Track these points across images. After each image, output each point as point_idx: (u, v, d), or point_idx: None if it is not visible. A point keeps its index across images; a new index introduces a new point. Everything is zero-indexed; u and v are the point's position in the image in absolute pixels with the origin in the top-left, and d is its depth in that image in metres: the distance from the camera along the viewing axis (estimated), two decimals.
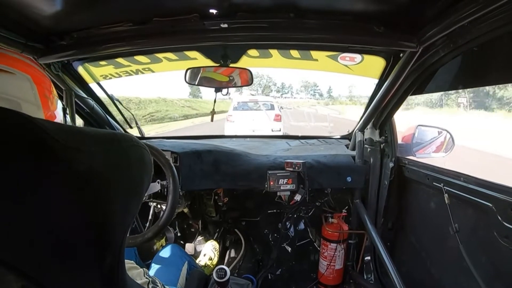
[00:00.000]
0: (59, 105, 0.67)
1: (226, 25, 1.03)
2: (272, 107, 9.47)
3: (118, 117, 1.88)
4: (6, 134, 0.33)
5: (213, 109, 1.60)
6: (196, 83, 1.43)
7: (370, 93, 1.60)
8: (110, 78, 1.62)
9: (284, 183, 1.58)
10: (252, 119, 8.73)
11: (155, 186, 1.28)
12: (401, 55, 1.18)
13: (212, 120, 1.70)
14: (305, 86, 78.15)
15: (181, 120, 21.14)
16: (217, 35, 1.08)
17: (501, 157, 7.57)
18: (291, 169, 1.57)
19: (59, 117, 0.72)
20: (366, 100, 1.71)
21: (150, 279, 0.65)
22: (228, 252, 1.97)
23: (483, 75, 1.08)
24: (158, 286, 0.67)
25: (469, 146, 8.07)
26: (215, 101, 1.52)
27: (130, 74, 1.61)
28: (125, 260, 0.51)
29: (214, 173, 1.61)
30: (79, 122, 1.58)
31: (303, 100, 65.84)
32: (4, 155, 0.33)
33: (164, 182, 1.28)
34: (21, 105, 0.55)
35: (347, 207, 1.88)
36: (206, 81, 1.42)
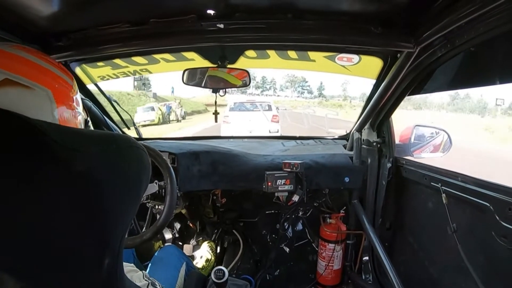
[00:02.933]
0: (80, 117, 0.57)
1: (222, 26, 1.03)
2: (269, 108, 9.33)
3: (116, 118, 1.87)
4: (5, 136, 0.33)
5: (216, 110, 1.61)
6: (202, 85, 1.42)
7: (363, 91, 1.59)
8: (108, 79, 1.62)
9: (282, 183, 1.57)
10: (249, 119, 8.56)
11: (153, 187, 1.27)
12: (398, 55, 1.18)
13: (216, 120, 1.70)
14: (291, 81, 69.17)
15: None
16: (214, 36, 1.08)
17: None
18: (289, 169, 1.57)
19: None
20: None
21: (149, 281, 0.65)
22: (226, 253, 1.97)
23: (480, 75, 1.08)
24: None
25: None
26: (216, 102, 1.53)
27: (128, 75, 1.61)
28: (124, 263, 0.51)
29: (212, 174, 1.61)
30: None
31: (289, 98, 59.81)
32: (3, 157, 0.33)
33: (162, 183, 1.28)
34: None
35: (345, 207, 1.88)
36: (213, 81, 1.41)
